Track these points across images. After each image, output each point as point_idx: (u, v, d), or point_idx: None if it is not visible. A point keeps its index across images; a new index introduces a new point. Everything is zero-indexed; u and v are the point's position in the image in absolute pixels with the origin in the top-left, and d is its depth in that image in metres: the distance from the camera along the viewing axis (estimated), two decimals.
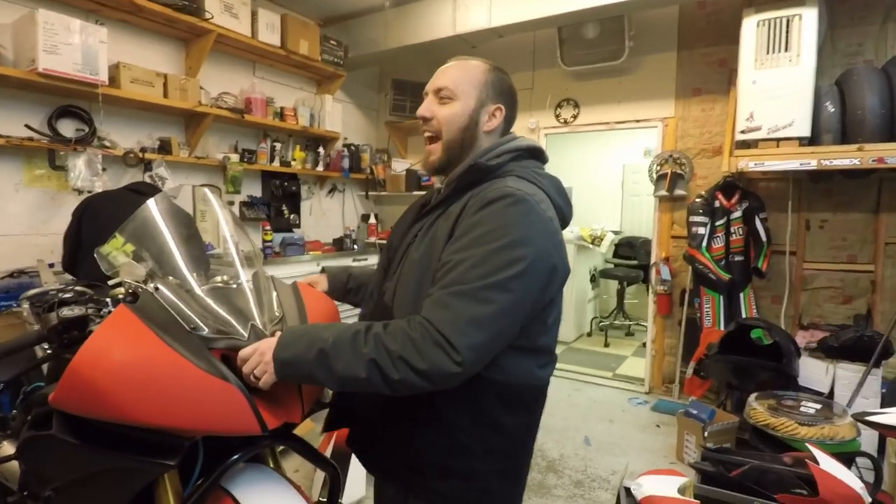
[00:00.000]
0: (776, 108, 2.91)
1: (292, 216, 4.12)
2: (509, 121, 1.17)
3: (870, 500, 1.92)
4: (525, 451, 1.14)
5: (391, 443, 1.10)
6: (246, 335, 1.02)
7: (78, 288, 1.64)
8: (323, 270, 1.43)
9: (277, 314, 1.13)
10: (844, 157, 2.75)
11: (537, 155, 1.16)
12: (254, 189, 3.90)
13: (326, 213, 4.52)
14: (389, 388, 0.91)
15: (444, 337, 0.89)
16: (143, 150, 3.00)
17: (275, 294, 1.18)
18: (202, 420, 0.92)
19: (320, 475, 2.19)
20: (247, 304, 1.10)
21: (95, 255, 1.09)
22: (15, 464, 1.58)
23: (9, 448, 1.64)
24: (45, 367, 1.56)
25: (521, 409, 1.07)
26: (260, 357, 0.97)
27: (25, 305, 1.77)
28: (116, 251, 1.07)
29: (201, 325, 1.00)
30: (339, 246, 4.35)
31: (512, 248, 0.93)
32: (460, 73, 1.11)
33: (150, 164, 3.02)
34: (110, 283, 1.11)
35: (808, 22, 2.84)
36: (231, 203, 3.70)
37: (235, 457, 1.02)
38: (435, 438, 1.04)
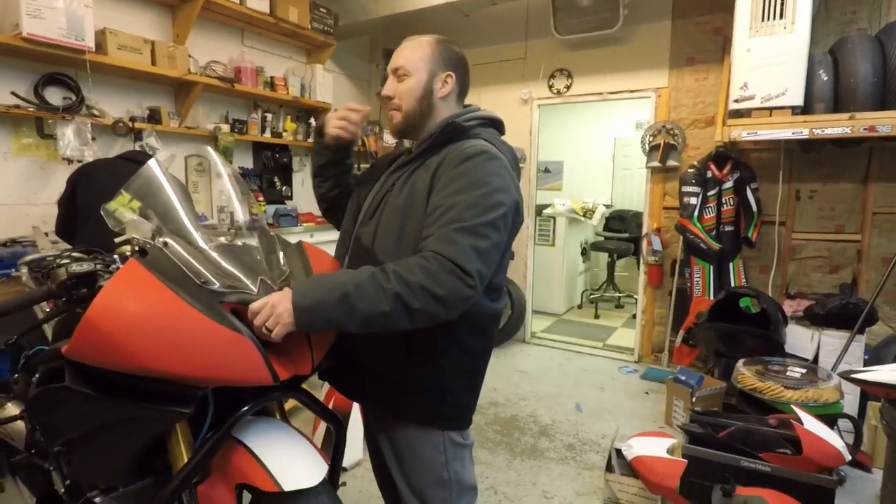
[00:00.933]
0: (770, 77, 2.92)
1: (284, 188, 4.09)
2: (463, 86, 1.31)
3: (850, 458, 2.01)
4: (482, 369, 1.33)
5: (374, 368, 1.23)
6: (256, 289, 1.03)
7: (75, 254, 1.64)
8: None
9: (284, 270, 1.14)
10: (836, 126, 2.78)
11: (498, 126, 1.32)
12: (245, 160, 3.86)
13: None
14: (410, 318, 1.01)
15: (456, 265, 1.01)
16: (132, 119, 2.94)
17: (280, 251, 1.19)
18: (215, 370, 0.94)
19: (319, 435, 2.23)
20: (255, 259, 1.11)
21: (102, 212, 1.09)
22: (20, 424, 1.61)
23: (13, 410, 1.66)
24: (46, 328, 1.56)
25: (482, 335, 1.25)
26: (271, 309, 0.99)
27: (24, 270, 1.76)
28: (123, 207, 1.07)
29: (212, 279, 1.01)
30: None
31: (494, 195, 1.09)
32: (411, 50, 1.25)
33: (139, 133, 2.97)
34: (117, 240, 1.11)
35: None
36: (220, 175, 3.65)
37: (245, 408, 1.04)
38: (419, 362, 1.19)
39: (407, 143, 1.35)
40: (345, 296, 0.99)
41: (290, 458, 1.02)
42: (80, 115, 2.71)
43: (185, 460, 1.03)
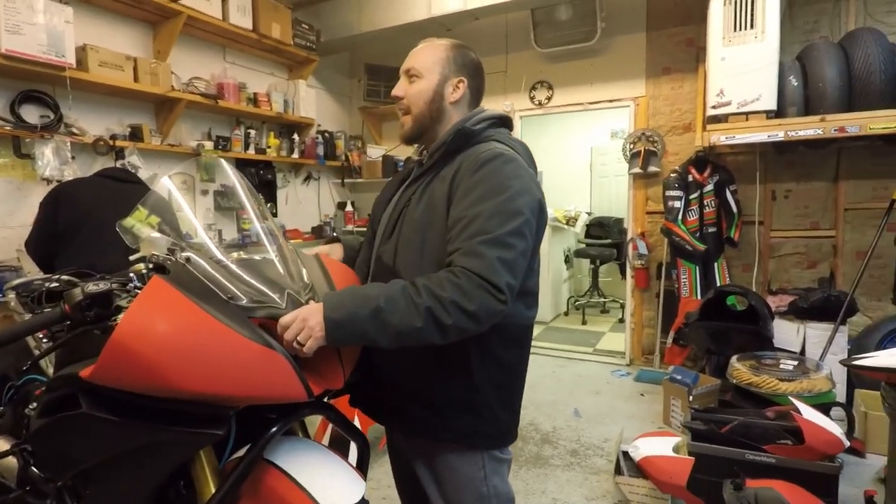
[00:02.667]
0: (744, 84, 3.04)
1: (269, 205, 4.02)
2: (476, 92, 1.28)
3: (848, 444, 2.07)
4: (520, 382, 1.27)
5: (408, 390, 1.18)
6: (283, 304, 1.01)
7: (65, 277, 1.57)
8: (337, 239, 1.45)
9: (308, 283, 1.12)
10: (809, 128, 2.91)
11: (506, 122, 1.31)
12: (228, 177, 3.78)
13: (303, 202, 4.44)
14: (442, 334, 0.99)
15: (485, 280, 0.99)
16: (113, 137, 2.87)
17: (301, 264, 1.17)
18: (250, 387, 0.91)
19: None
20: (278, 273, 1.08)
21: (118, 229, 1.05)
22: (11, 460, 1.51)
23: (2, 444, 1.57)
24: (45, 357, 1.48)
25: (517, 345, 1.22)
26: (302, 323, 0.96)
27: (12, 296, 1.68)
28: (141, 223, 1.03)
29: (239, 294, 0.98)
30: (319, 234, 4.29)
31: (516, 199, 1.06)
32: (425, 52, 1.24)
33: (121, 151, 2.89)
34: (132, 258, 1.07)
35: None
36: (205, 192, 3.59)
37: (276, 427, 1.01)
38: (451, 379, 1.15)
39: (414, 156, 1.32)
40: (377, 310, 0.97)
41: (327, 478, 0.99)
42: (59, 134, 2.63)
43: (212, 487, 0.98)
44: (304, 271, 1.15)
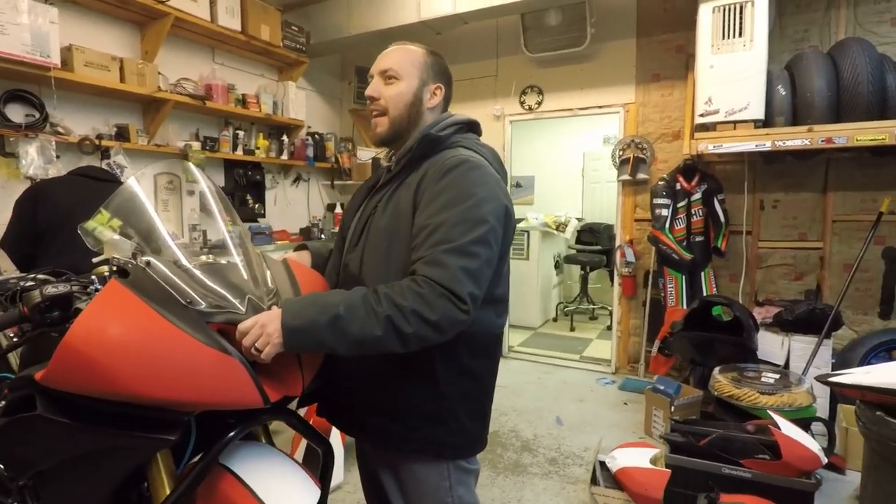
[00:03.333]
0: (733, 92, 3.05)
1: (257, 206, 4.02)
2: (447, 99, 1.29)
3: (826, 461, 2.07)
4: (490, 391, 1.27)
5: (373, 400, 1.17)
6: (244, 309, 1.00)
7: (41, 276, 1.56)
8: (304, 247, 1.43)
9: (272, 288, 1.11)
10: (796, 138, 2.92)
11: (474, 128, 1.30)
12: (217, 178, 3.78)
13: (292, 203, 4.44)
14: (402, 342, 0.98)
15: (447, 289, 0.98)
16: (99, 136, 2.86)
17: (267, 269, 1.16)
18: (204, 393, 0.90)
19: (298, 455, 2.17)
20: (241, 278, 1.08)
21: (80, 231, 1.04)
22: None
23: None
24: (12, 355, 1.48)
25: (485, 355, 1.20)
26: (261, 329, 0.96)
27: None
28: (102, 226, 1.03)
29: (198, 299, 0.97)
30: (307, 235, 4.28)
31: (480, 207, 1.05)
32: (403, 55, 1.22)
33: (107, 151, 2.89)
34: (95, 260, 1.06)
35: (759, 8, 2.99)
36: (192, 192, 3.58)
37: (233, 432, 1.00)
38: (416, 389, 1.14)
39: (384, 162, 1.31)
40: (336, 318, 0.96)
41: (282, 485, 0.98)
42: (45, 133, 2.61)
43: (167, 490, 0.98)
44: (268, 276, 1.15)
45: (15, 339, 1.55)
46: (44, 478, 1.07)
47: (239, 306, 1.00)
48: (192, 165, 1.22)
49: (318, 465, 1.23)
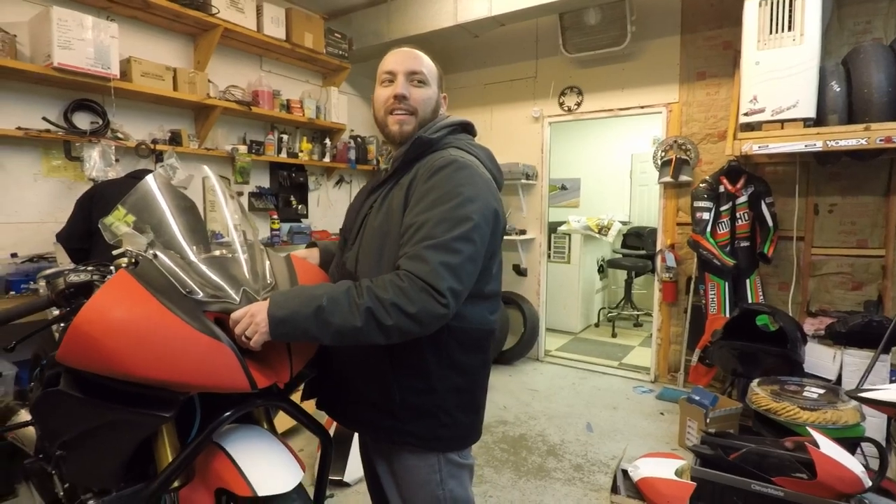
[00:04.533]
0: (780, 89, 2.88)
1: (300, 206, 4.19)
2: None
3: (869, 484, 1.91)
4: (481, 385, 1.28)
5: (365, 394, 1.20)
6: (238, 299, 1.07)
7: (90, 267, 1.72)
8: (314, 245, 1.50)
9: (270, 282, 1.18)
10: (851, 137, 2.72)
11: (468, 129, 1.32)
12: (262, 180, 3.98)
13: (334, 204, 4.59)
14: (384, 334, 1.01)
15: (427, 283, 1.01)
16: (154, 141, 3.09)
17: (268, 263, 1.24)
18: (195, 376, 0.98)
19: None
20: (240, 270, 1.16)
21: (99, 226, 1.15)
22: (32, 430, 1.68)
23: (25, 416, 1.74)
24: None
25: (476, 349, 1.21)
26: (251, 318, 1.02)
27: (42, 283, 1.86)
28: (118, 221, 1.13)
29: (196, 289, 1.05)
30: None
31: (465, 205, 1.07)
32: (427, 62, 1.26)
33: (161, 154, 3.11)
34: (114, 252, 1.17)
35: (811, 0, 2.81)
36: (240, 193, 3.79)
37: (227, 413, 1.08)
38: (409, 383, 1.16)
39: (384, 163, 1.35)
40: (319, 309, 1.01)
41: (266, 465, 1.05)
42: (106, 139, 2.86)
43: (170, 460, 1.07)
44: (268, 270, 1.22)
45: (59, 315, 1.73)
46: (68, 448, 1.20)
47: (234, 296, 1.08)
48: (205, 168, 1.32)
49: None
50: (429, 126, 1.25)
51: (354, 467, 2.43)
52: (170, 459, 1.08)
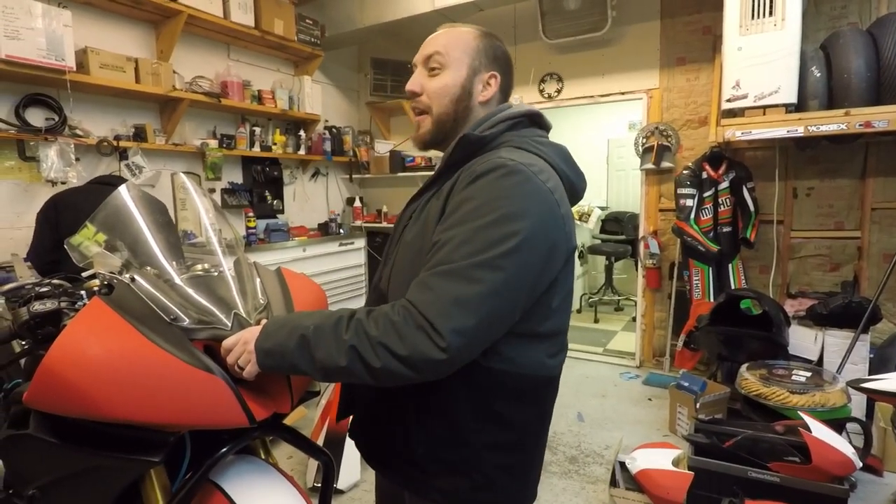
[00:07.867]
0: (762, 75, 2.88)
1: (275, 202, 4.04)
2: (505, 90, 1.07)
3: (861, 464, 1.95)
4: (534, 446, 1.04)
5: (390, 435, 1.02)
6: (229, 325, 0.98)
7: (55, 281, 1.58)
8: None
9: (262, 301, 1.09)
10: (831, 122, 2.74)
11: (537, 121, 1.07)
12: (234, 175, 3.81)
13: (311, 198, 4.45)
14: (372, 377, 0.84)
15: (426, 319, 0.81)
16: (117, 137, 2.90)
17: (258, 281, 1.14)
18: (187, 414, 0.88)
19: (314, 460, 2.17)
20: (229, 292, 1.05)
21: (66, 247, 1.03)
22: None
23: None
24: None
25: (525, 400, 0.97)
26: (243, 346, 0.93)
27: (1, 301, 1.71)
28: (88, 241, 1.01)
29: (182, 315, 0.95)
30: (325, 230, 4.28)
31: (503, 224, 0.83)
32: (450, 39, 1.02)
33: (125, 152, 2.93)
34: (84, 274, 1.06)
35: None
36: (212, 190, 3.61)
37: (223, 450, 0.98)
38: (435, 431, 0.96)
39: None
40: (304, 341, 0.87)
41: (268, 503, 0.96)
42: (63, 136, 2.66)
43: None
44: (259, 289, 1.12)
45: (25, 346, 1.59)
46: (47, 490, 1.09)
47: (225, 321, 0.98)
48: (184, 177, 1.20)
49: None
50: (481, 121, 1.01)
51: (347, 474, 2.36)
52: (159, 500, 0.98)
